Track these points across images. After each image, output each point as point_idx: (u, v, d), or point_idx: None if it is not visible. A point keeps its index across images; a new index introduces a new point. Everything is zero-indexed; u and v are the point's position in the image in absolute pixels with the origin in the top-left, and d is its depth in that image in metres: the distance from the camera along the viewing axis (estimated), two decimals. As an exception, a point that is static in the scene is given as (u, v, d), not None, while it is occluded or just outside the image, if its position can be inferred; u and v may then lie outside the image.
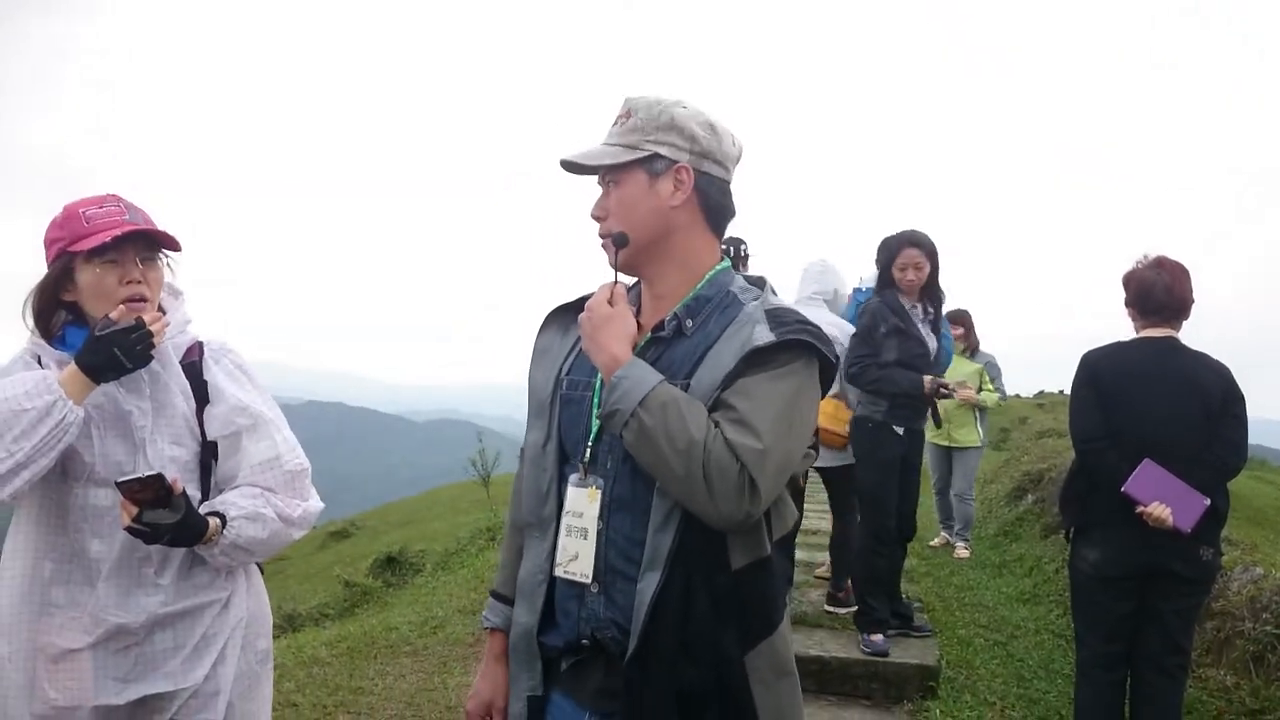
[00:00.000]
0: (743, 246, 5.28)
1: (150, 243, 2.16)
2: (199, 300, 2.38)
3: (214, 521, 2.07)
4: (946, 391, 4.88)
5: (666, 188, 1.70)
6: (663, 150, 1.69)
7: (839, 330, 5.38)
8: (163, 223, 2.21)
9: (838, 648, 4.90)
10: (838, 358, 1.73)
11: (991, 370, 7.55)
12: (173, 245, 2.20)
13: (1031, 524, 8.41)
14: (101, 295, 2.11)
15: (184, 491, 2.00)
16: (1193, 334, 3.57)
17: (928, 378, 4.82)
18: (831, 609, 5.53)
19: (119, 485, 1.92)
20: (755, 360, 1.60)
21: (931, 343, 4.97)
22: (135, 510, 1.94)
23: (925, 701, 4.55)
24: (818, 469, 5.60)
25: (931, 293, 5.02)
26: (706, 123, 1.73)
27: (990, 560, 7.69)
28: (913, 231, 4.96)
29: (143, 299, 2.12)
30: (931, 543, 8.12)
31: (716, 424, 1.56)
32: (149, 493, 1.92)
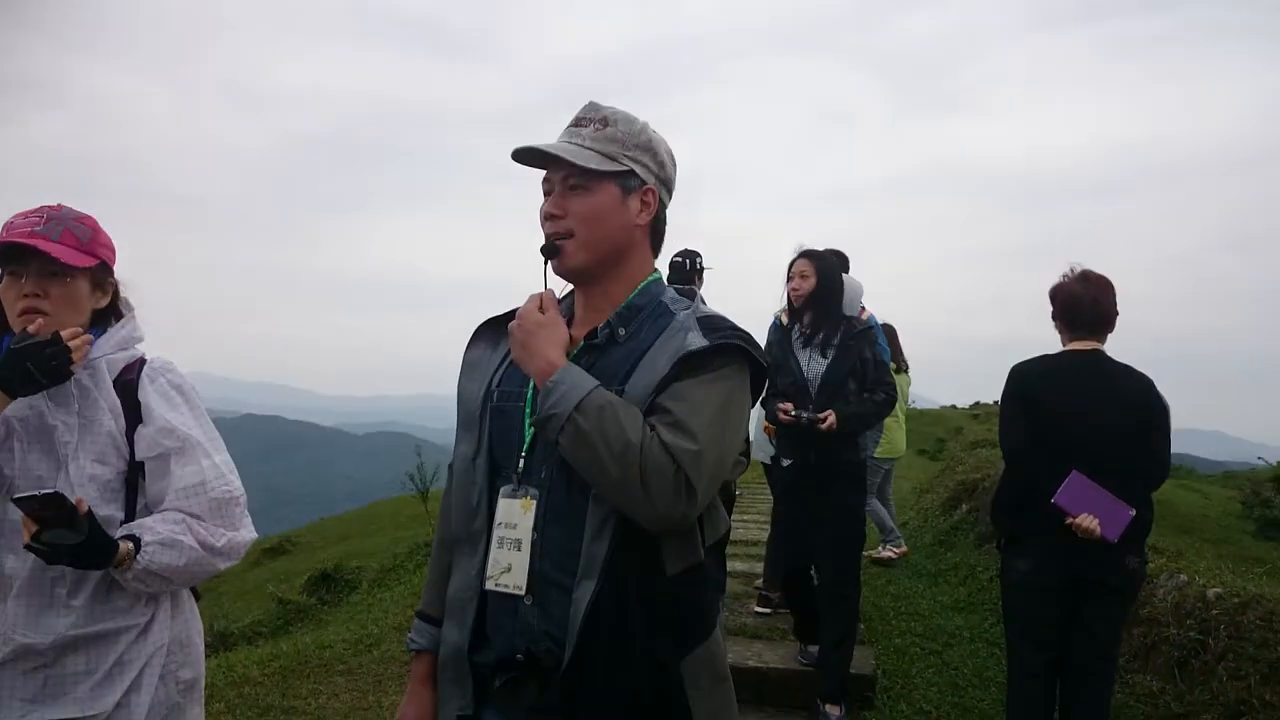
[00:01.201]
0: (698, 260, 5.29)
1: (53, 259, 2.07)
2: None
3: (125, 545, 2.00)
4: (786, 418, 4.43)
5: (635, 206, 1.74)
6: (638, 169, 1.73)
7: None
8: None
9: (776, 659, 4.92)
10: (769, 362, 1.76)
11: None
12: (68, 265, 2.08)
13: (966, 533, 8.53)
14: (7, 305, 2.10)
15: (89, 512, 1.93)
16: (1119, 345, 3.65)
17: (781, 407, 4.47)
18: (759, 609, 5.72)
19: (15, 502, 1.86)
20: (689, 365, 1.62)
21: (811, 369, 4.54)
22: (35, 528, 1.88)
23: (862, 711, 4.59)
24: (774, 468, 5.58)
25: (821, 312, 4.59)
26: (670, 151, 1.80)
27: (926, 569, 7.78)
28: (811, 248, 4.79)
29: (36, 312, 2.06)
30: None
31: (652, 427, 1.56)
32: (50, 511, 1.86)
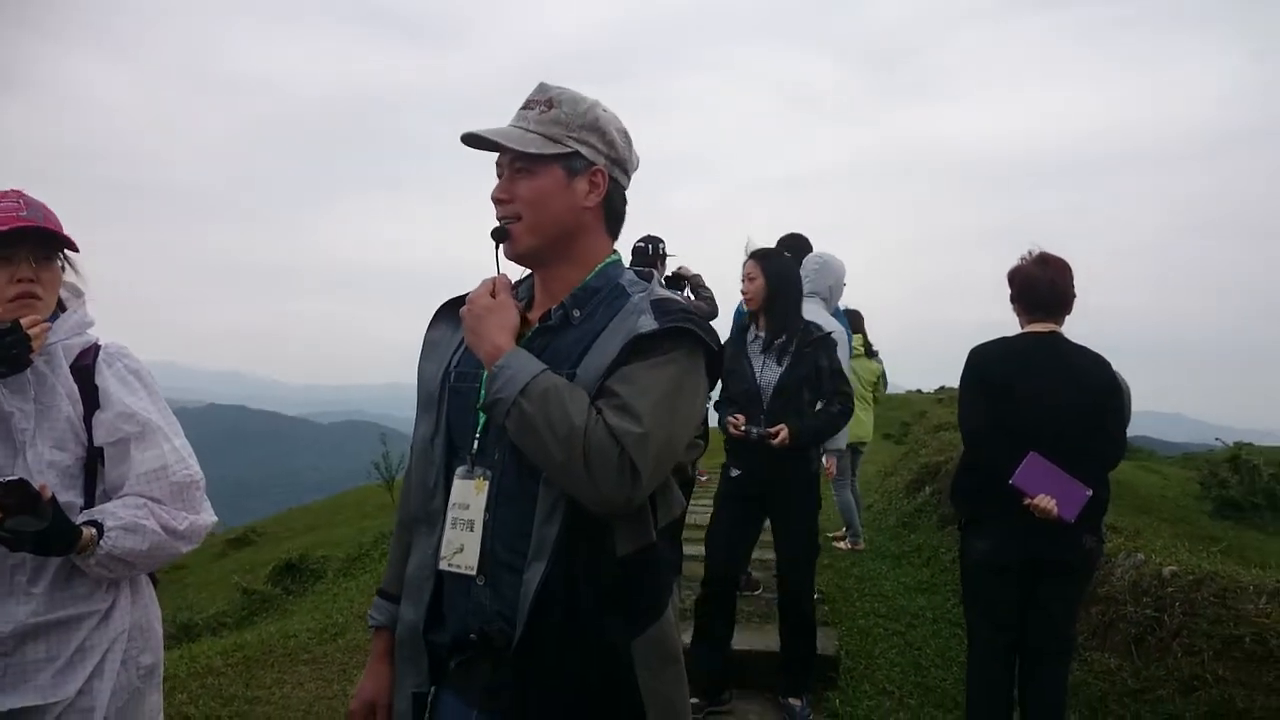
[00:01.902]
0: (661, 245, 5.30)
1: (46, 241, 2.10)
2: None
3: (88, 531, 1.99)
4: (736, 432, 4.27)
5: (582, 187, 1.72)
6: (583, 150, 1.71)
7: (829, 329, 5.24)
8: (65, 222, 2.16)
9: (739, 641, 4.93)
10: (720, 345, 1.75)
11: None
12: (70, 245, 2.15)
13: (929, 515, 8.63)
14: None
15: (53, 499, 1.92)
16: (1080, 328, 3.64)
17: (731, 420, 4.33)
18: (748, 593, 5.67)
19: None
20: (638, 348, 1.62)
21: (764, 376, 4.33)
22: None
23: (826, 691, 4.63)
24: None
25: (777, 315, 4.38)
26: (623, 130, 1.78)
27: (889, 551, 7.86)
28: (760, 247, 4.57)
29: (32, 297, 2.07)
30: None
31: (599, 410, 1.57)
32: (13, 499, 1.85)
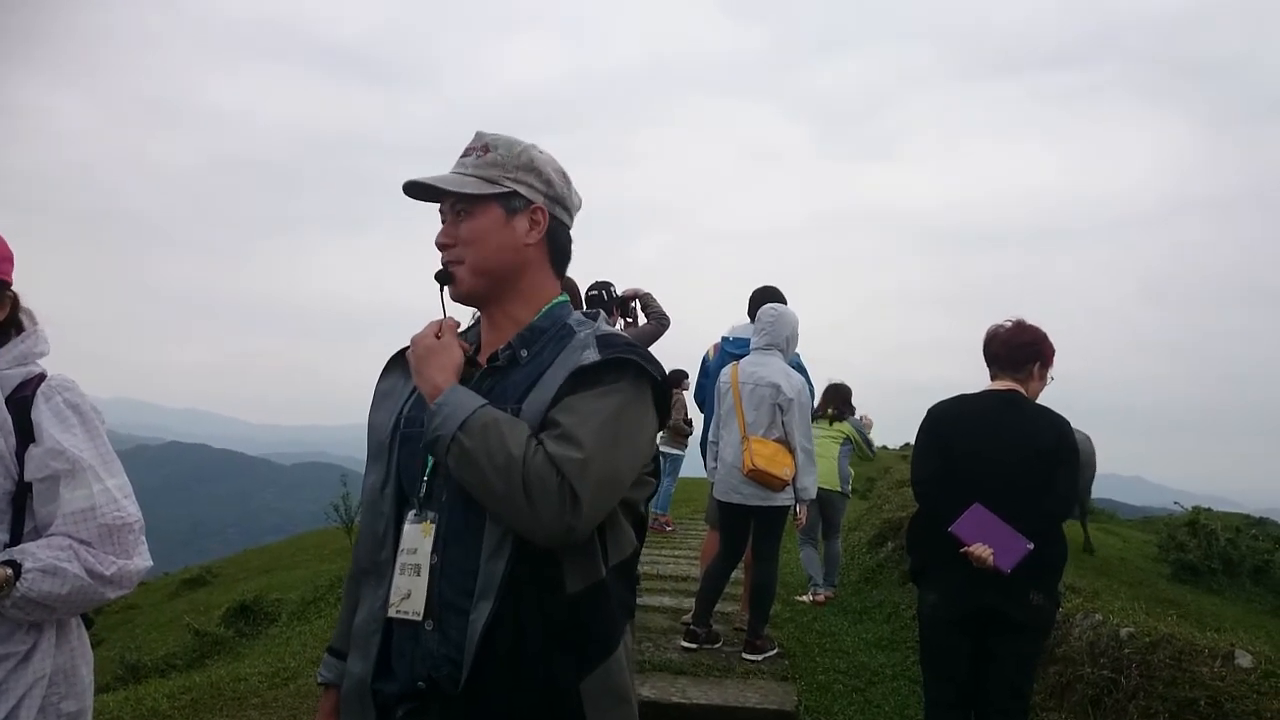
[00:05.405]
0: (612, 289, 5.36)
1: None
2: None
3: (2, 571, 1.89)
4: None
5: (522, 226, 1.74)
6: (521, 189, 1.74)
7: (786, 380, 5.35)
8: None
9: (700, 695, 4.90)
10: (665, 378, 1.75)
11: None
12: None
13: (891, 570, 8.61)
14: None
15: None
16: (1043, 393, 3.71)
17: None
18: (749, 657, 5.55)
19: None
20: (581, 379, 1.63)
21: None
22: None
23: (783, 748, 4.58)
24: (741, 506, 5.45)
25: None
26: (560, 170, 1.80)
27: (852, 606, 7.82)
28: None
29: None
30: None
31: (540, 441, 1.57)
32: None
